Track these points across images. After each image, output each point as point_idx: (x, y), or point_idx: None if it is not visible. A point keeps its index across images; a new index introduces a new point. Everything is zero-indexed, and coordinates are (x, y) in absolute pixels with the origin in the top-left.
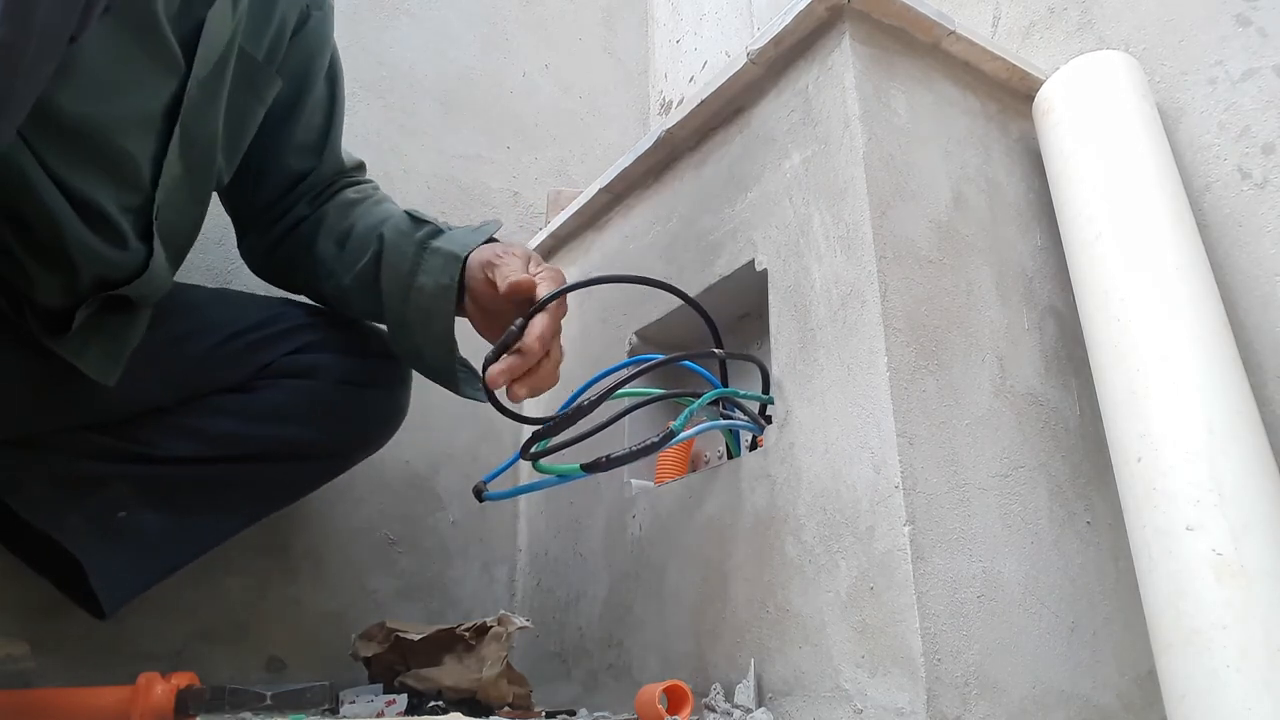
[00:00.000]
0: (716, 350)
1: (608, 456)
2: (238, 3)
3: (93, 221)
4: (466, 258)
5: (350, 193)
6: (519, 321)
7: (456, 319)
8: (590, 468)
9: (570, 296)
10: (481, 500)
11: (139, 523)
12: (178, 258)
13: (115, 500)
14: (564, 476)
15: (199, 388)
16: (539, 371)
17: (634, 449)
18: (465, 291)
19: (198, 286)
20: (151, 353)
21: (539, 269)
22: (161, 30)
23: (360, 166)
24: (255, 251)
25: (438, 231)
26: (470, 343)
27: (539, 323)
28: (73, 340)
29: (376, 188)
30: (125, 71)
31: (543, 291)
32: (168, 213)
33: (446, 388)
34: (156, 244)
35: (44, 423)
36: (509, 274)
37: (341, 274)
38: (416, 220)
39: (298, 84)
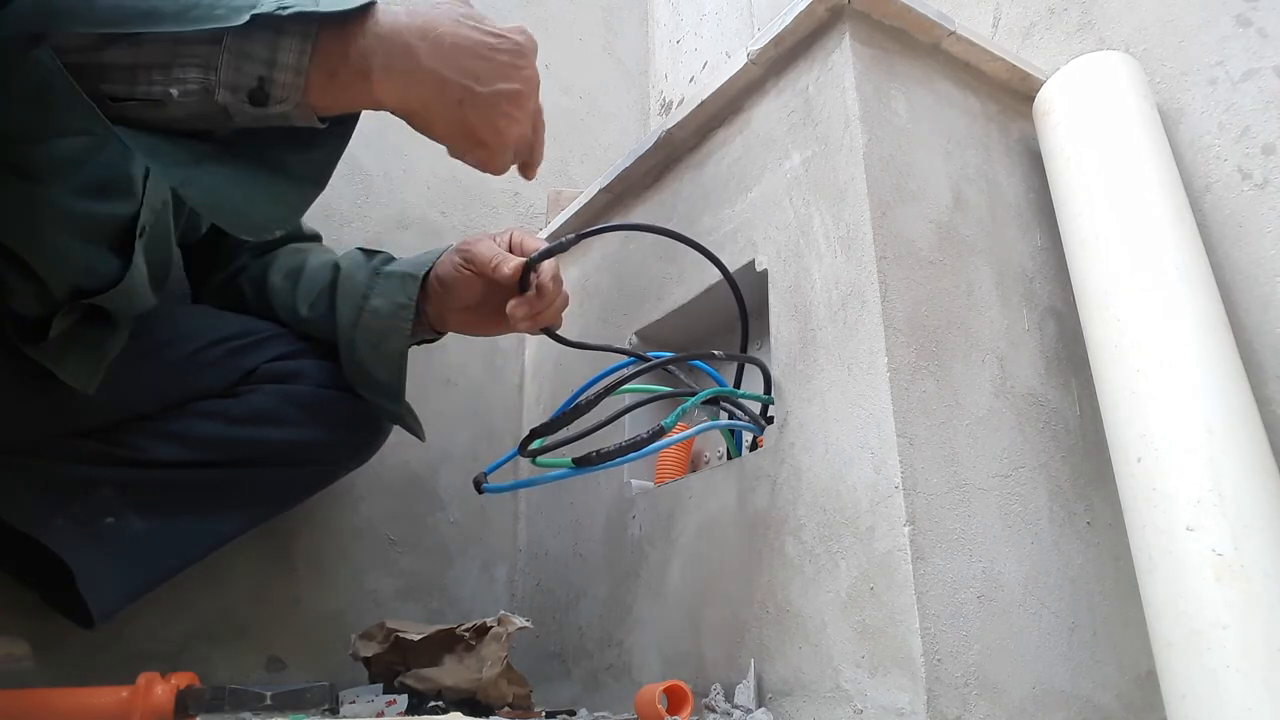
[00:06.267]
0: (716, 352)
1: (598, 452)
2: None
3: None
4: (426, 275)
5: (296, 245)
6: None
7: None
8: (581, 463)
9: (570, 297)
10: (481, 491)
11: (126, 527)
12: (159, 275)
13: (102, 505)
14: (556, 472)
15: (182, 394)
16: (550, 310)
17: (624, 445)
18: (435, 303)
19: (178, 297)
20: (132, 359)
21: (508, 234)
22: None
23: (316, 237)
24: (204, 286)
25: (390, 259)
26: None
27: (549, 266)
28: (50, 347)
29: (326, 249)
30: None
31: (531, 246)
32: (152, 229)
33: (389, 410)
34: (138, 256)
35: (27, 428)
36: (495, 252)
37: (298, 305)
38: (369, 252)
39: None
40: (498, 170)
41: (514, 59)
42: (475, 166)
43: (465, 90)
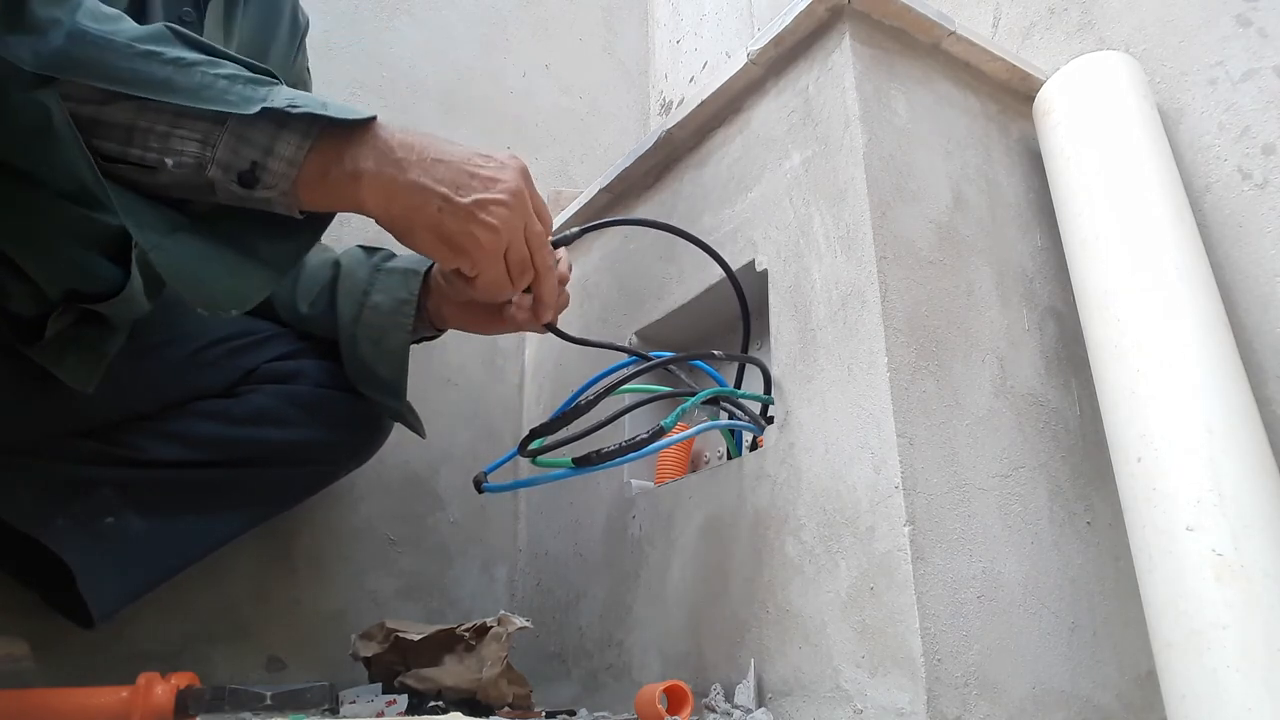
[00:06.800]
0: (716, 352)
1: (598, 452)
2: None
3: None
4: (428, 271)
5: None
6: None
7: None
8: (581, 463)
9: (570, 297)
10: (481, 491)
11: (126, 527)
12: (154, 284)
13: (102, 504)
14: (556, 472)
15: (182, 393)
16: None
17: (624, 445)
18: (436, 299)
19: (177, 296)
20: (132, 359)
21: None
22: None
23: None
24: None
25: (391, 255)
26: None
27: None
28: (49, 347)
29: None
30: None
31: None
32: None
33: (390, 407)
34: (134, 267)
35: (27, 428)
36: None
37: (298, 303)
38: (369, 249)
39: None
40: (489, 287)
41: (497, 173)
42: (469, 289)
43: (444, 198)
